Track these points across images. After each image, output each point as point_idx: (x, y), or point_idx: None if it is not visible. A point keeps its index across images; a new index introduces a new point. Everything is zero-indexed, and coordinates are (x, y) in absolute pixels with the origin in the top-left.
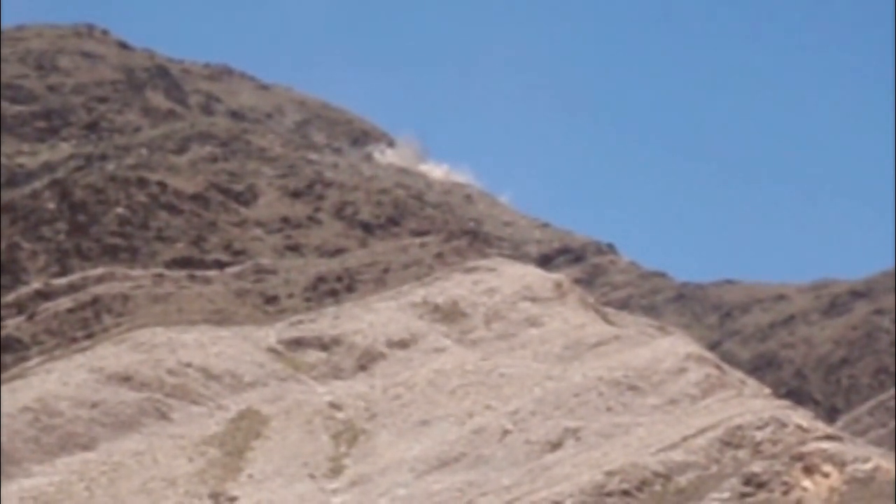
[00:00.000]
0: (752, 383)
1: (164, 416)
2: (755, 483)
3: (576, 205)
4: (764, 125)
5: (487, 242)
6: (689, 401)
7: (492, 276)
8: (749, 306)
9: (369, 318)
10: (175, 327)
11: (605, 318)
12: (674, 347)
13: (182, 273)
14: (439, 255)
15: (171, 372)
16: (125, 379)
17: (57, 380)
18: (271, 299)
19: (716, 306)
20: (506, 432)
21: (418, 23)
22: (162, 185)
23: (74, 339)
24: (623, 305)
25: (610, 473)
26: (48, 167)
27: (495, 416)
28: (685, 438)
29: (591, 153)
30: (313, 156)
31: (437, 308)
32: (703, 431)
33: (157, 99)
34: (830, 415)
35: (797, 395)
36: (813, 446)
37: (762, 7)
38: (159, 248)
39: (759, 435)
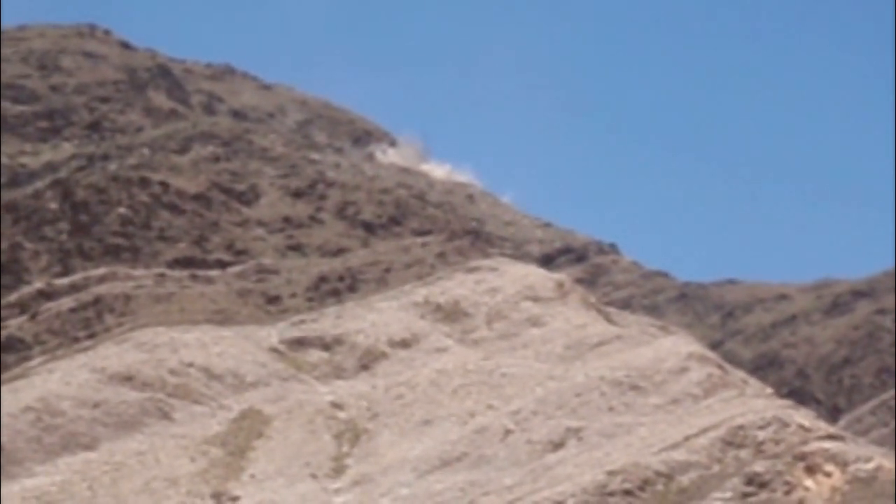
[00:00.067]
0: (754, 383)
1: (166, 416)
2: (757, 483)
3: (578, 204)
4: (765, 125)
5: (489, 242)
6: (691, 400)
7: (494, 276)
8: (751, 306)
9: (371, 318)
10: (177, 327)
11: (607, 318)
12: (676, 347)
13: (184, 273)
14: (441, 255)
15: (173, 372)
16: (127, 379)
17: (59, 379)
18: (273, 299)
19: (718, 306)
20: (508, 432)
21: (420, 22)
22: (164, 185)
23: (76, 339)
24: (625, 305)
25: (612, 473)
26: (50, 167)
27: (497, 416)
28: (687, 438)
29: (594, 153)
30: (315, 155)
31: (438, 308)
32: (705, 431)
33: (159, 99)
34: (832, 414)
35: (799, 395)
36: (815, 446)
37: (762, 7)
38: (161, 247)
39: (761, 434)
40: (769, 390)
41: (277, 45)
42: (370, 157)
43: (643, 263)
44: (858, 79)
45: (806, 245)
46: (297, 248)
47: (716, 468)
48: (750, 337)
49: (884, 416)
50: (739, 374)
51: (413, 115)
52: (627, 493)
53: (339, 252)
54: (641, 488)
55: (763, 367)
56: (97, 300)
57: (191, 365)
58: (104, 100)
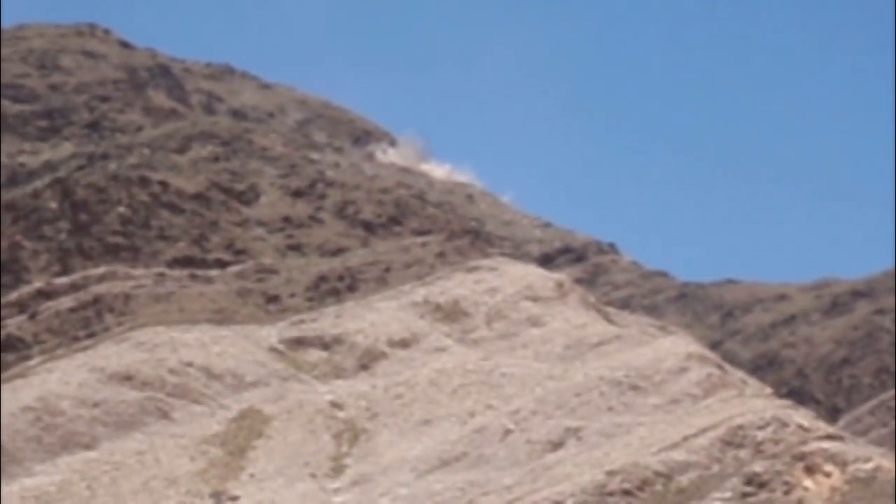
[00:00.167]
0: (753, 383)
1: (165, 416)
2: (756, 483)
3: (577, 204)
4: (765, 125)
5: (489, 242)
6: (690, 400)
7: (493, 276)
8: (750, 306)
9: (371, 318)
10: (176, 327)
11: (607, 318)
12: (675, 347)
13: (184, 272)
14: (441, 255)
15: (172, 371)
16: (126, 378)
17: (58, 379)
18: (273, 299)
19: (717, 306)
20: (507, 432)
21: (420, 22)
22: (163, 185)
23: (76, 339)
24: (624, 305)
25: (611, 473)
26: (50, 166)
27: (496, 416)
28: (686, 438)
29: (593, 153)
30: (315, 155)
31: (438, 307)
32: (704, 431)
33: (159, 98)
34: (832, 414)
35: (798, 395)
36: (814, 446)
37: (762, 7)
38: (161, 247)
39: (760, 434)
40: (768, 390)
41: (277, 45)
42: (370, 157)
43: (642, 263)
44: (858, 79)
45: (805, 245)
46: (296, 248)
47: (715, 468)
48: (749, 337)
49: (883, 416)
50: (739, 374)
51: (413, 114)
52: (626, 493)
53: (339, 252)
54: (640, 488)
55: (762, 367)
56: (97, 300)
57: (190, 364)
58: (104, 99)
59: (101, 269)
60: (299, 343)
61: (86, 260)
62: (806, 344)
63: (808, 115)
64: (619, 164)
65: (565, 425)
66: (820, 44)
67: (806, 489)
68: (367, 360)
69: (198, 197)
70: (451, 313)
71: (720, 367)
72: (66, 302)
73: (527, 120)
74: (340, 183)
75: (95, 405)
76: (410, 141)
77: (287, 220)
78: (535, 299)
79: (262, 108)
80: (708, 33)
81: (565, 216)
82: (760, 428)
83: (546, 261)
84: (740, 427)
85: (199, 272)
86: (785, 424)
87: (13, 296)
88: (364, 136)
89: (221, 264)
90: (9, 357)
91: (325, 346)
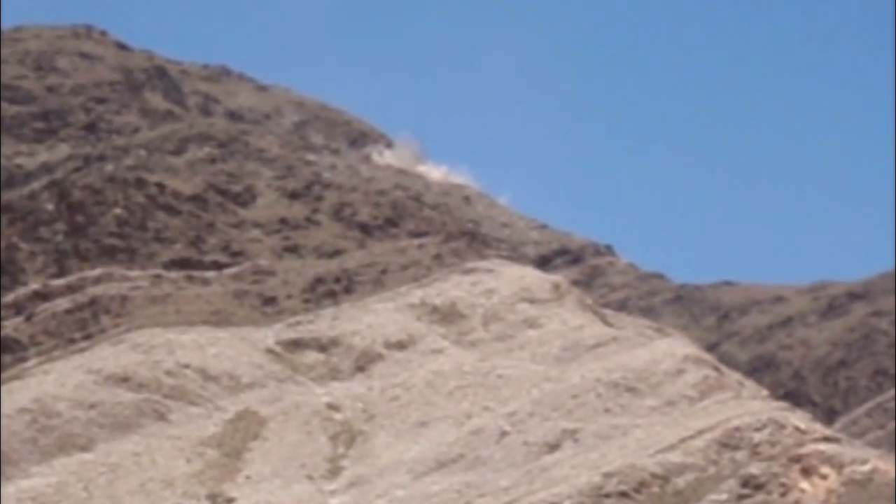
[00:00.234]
0: (749, 385)
1: (162, 417)
2: (753, 485)
3: (574, 206)
4: (762, 126)
5: (486, 244)
6: (687, 402)
7: (490, 278)
8: (747, 308)
9: (367, 320)
10: (173, 328)
11: (604, 320)
12: (672, 349)
13: (180, 274)
14: (437, 257)
15: (169, 373)
16: (123, 380)
17: (55, 381)
18: (269, 300)
19: (714, 308)
20: (504, 433)
21: (417, 24)
22: (160, 186)
23: (72, 340)
24: (621, 307)
25: (608, 475)
26: (46, 168)
27: (493, 418)
28: (683, 440)
29: (590, 154)
30: (311, 157)
31: (435, 309)
32: (701, 433)
33: (156, 100)
34: (828, 416)
35: (795, 397)
36: (811, 448)
37: (760, 7)
38: (157, 249)
39: (756, 436)
40: (765, 392)
41: (274, 47)
42: (367, 159)
43: (639, 265)
44: (858, 79)
45: (802, 247)
46: (293, 250)
47: (712, 470)
48: (746, 339)
49: (879, 418)
50: (735, 376)
51: (410, 116)
52: (623, 494)
53: (336, 253)
54: (637, 490)
55: (759, 369)
56: (93, 301)
57: (187, 366)
58: (100, 101)
59: (98, 271)
60: (296, 345)
61: (82, 261)
62: (802, 346)
63: (805, 117)
64: (616, 166)
65: (562, 427)
66: (819, 44)
67: (802, 491)
68: (364, 362)
69: (194, 199)
70: (447, 315)
71: (717, 368)
72: (63, 303)
73: (523, 122)
74: (337, 185)
75: (92, 407)
76: (407, 143)
77: (283, 221)
78: (531, 301)
79: (259, 110)
80: (705, 34)
81: (562, 218)
82: (757, 430)
83: (543, 263)
84: (737, 429)
85: (196, 274)
86: (781, 426)
87: (9, 297)
88: (361, 138)
89: (218, 266)
90: (5, 359)
91: (322, 347)
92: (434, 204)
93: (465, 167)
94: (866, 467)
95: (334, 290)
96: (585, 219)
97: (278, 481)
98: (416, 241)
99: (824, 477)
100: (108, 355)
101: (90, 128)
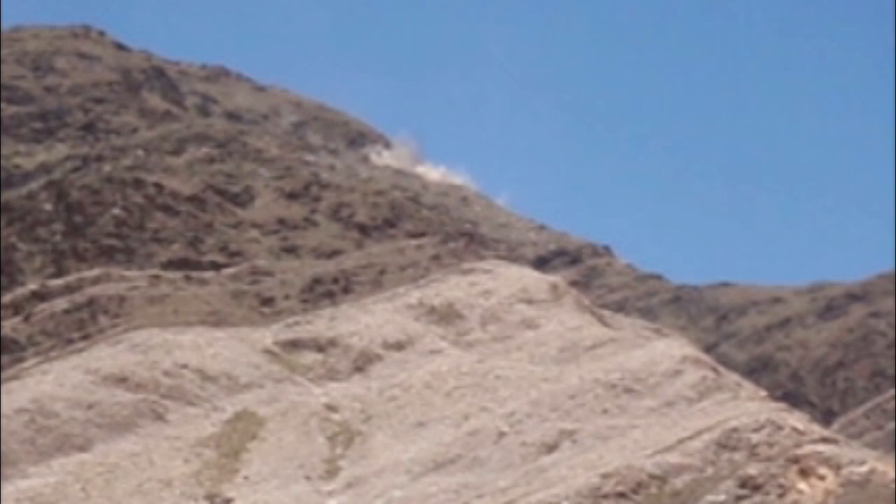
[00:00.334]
0: (748, 386)
1: (160, 418)
2: (751, 485)
3: (572, 207)
4: (761, 127)
5: (484, 244)
6: (685, 403)
7: (488, 278)
8: (745, 309)
9: (365, 320)
10: (171, 329)
11: (602, 321)
12: (670, 350)
13: (178, 274)
14: (435, 257)
15: (167, 373)
16: (121, 380)
17: (53, 381)
18: (267, 301)
19: (712, 309)
20: (501, 434)
21: (415, 24)
22: (158, 187)
23: (70, 341)
24: (619, 308)
25: (606, 476)
26: (45, 168)
27: (491, 418)
28: (681, 441)
29: (588, 155)
30: (310, 157)
31: (433, 310)
32: (699, 434)
33: (154, 100)
34: (826, 417)
35: (793, 398)
36: (809, 449)
37: (759, 8)
38: (156, 249)
39: (754, 437)
40: (763, 393)
41: (272, 47)
42: (365, 159)
43: (637, 266)
44: (857, 80)
45: (800, 248)
46: (291, 250)
47: (709, 471)
48: (744, 340)
49: (878, 419)
50: (733, 377)
51: (408, 116)
52: (621, 495)
53: (334, 254)
54: (635, 491)
55: (757, 370)
56: (91, 301)
57: (185, 366)
58: (98, 101)
59: (96, 271)
60: (294, 345)
61: (80, 262)
62: (800, 347)
63: (803, 118)
64: (615, 167)
65: (560, 428)
66: (819, 45)
67: (800, 492)
68: (362, 363)
69: (192, 199)
70: (445, 316)
71: (715, 369)
72: (61, 304)
73: (521, 122)
74: (335, 185)
75: (90, 407)
76: (405, 143)
77: (282, 222)
78: (529, 302)
79: (257, 111)
80: (704, 35)
81: (560, 219)
82: (755, 431)
83: (541, 263)
84: (735, 430)
85: (194, 274)
86: (779, 427)
87: (8, 297)
88: (359, 139)
89: (216, 266)
90: (3, 359)
91: (320, 348)
92: (432, 204)
93: (464, 168)
94: (864, 468)
95: (332, 290)
96: (583, 219)
97: (276, 481)
98: (414, 242)
99: (822, 478)
100: (106, 355)
101: (88, 128)
